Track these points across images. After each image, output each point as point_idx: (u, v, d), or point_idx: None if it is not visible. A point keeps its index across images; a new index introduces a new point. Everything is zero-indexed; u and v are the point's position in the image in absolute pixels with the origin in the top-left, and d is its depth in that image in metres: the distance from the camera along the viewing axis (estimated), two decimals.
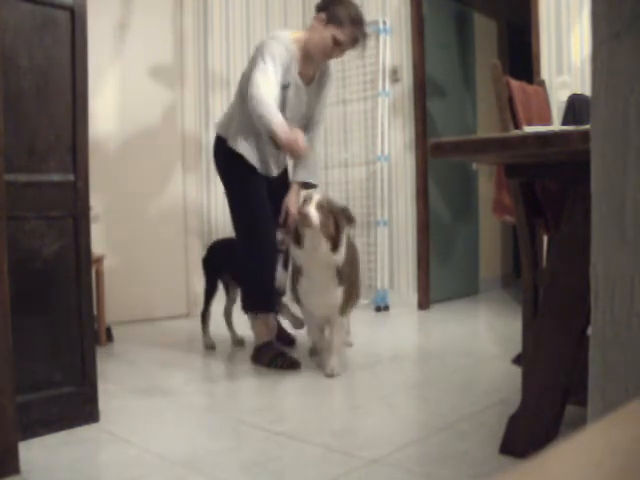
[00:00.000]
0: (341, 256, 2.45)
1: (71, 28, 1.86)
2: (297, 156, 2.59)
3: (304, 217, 2.33)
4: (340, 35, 2.60)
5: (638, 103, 0.65)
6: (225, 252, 3.05)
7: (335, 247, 2.40)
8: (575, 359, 1.46)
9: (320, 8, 2.66)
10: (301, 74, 2.69)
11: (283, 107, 2.64)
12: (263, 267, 2.72)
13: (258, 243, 2.71)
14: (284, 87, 2.62)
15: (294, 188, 2.87)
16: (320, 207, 2.36)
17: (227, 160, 2.75)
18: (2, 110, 1.57)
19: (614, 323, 0.69)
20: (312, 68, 2.74)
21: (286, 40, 2.61)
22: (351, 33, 2.61)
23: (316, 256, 2.40)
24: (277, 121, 2.47)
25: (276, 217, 2.81)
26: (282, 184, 2.91)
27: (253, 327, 2.81)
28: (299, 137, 2.50)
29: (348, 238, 2.61)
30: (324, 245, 2.38)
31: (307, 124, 2.86)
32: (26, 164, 1.79)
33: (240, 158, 2.69)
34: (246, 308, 2.79)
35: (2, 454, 1.50)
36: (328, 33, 2.60)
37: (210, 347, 3.05)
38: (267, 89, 2.50)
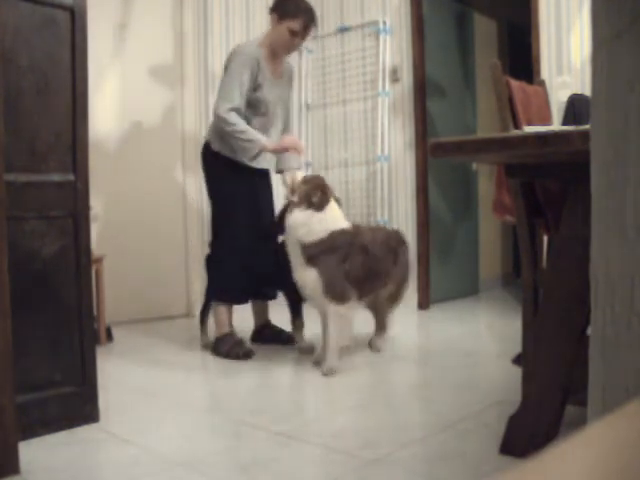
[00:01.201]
0: (295, 226, 2.53)
1: (71, 28, 1.86)
2: (300, 148, 2.91)
3: (287, 179, 2.63)
4: (293, 25, 2.86)
5: (638, 103, 0.65)
6: None
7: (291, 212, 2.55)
8: (575, 359, 1.46)
9: (272, 10, 2.95)
10: (271, 71, 2.94)
11: (260, 106, 2.88)
12: (239, 261, 2.88)
13: (239, 239, 2.89)
14: (256, 89, 2.85)
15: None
16: (305, 180, 2.62)
17: (213, 162, 2.94)
18: (2, 110, 1.57)
19: (614, 323, 0.69)
20: (279, 65, 3.02)
21: (252, 47, 2.88)
22: (302, 21, 2.88)
23: (290, 225, 2.55)
24: (262, 141, 2.78)
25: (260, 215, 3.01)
26: (266, 186, 3.11)
27: (216, 315, 2.96)
28: (287, 138, 2.90)
29: (401, 238, 2.88)
30: (293, 210, 2.56)
31: (286, 114, 3.13)
32: (26, 164, 1.79)
33: (223, 158, 2.89)
34: (214, 297, 2.98)
35: (2, 454, 1.50)
36: (284, 28, 2.88)
37: (207, 346, 3.05)
38: (236, 119, 2.76)
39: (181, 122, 4.16)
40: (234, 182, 2.90)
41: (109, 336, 3.28)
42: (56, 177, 1.85)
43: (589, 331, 0.79)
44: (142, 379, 2.53)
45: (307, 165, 4.83)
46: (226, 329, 2.93)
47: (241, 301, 3.02)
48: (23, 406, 1.69)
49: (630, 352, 0.67)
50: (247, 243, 2.89)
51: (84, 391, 1.91)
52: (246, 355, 2.82)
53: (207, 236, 4.26)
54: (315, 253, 2.50)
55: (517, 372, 2.07)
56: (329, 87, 4.71)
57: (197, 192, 4.22)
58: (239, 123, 2.75)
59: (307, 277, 2.53)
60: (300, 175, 2.67)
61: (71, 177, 1.89)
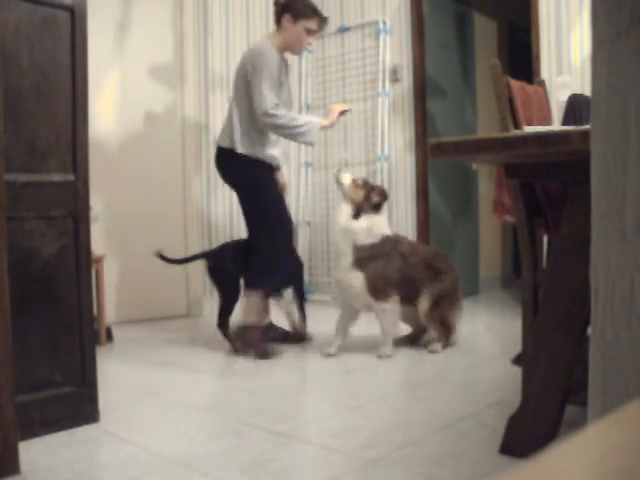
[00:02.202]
0: (359, 228, 2.73)
1: (71, 28, 1.86)
2: (346, 107, 3.10)
3: (337, 177, 2.84)
4: (310, 24, 2.99)
5: (638, 103, 0.65)
6: (240, 254, 3.08)
7: (356, 215, 2.76)
8: (575, 359, 1.46)
9: (283, 10, 2.99)
10: (285, 71, 3.06)
11: (282, 105, 2.93)
12: (285, 255, 3.01)
13: (281, 231, 2.99)
14: (280, 88, 2.95)
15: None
16: (354, 180, 2.84)
17: (242, 165, 2.95)
18: (2, 110, 1.57)
19: (614, 323, 0.69)
20: (286, 60, 3.13)
21: (273, 48, 2.94)
22: (318, 20, 3.02)
23: (337, 218, 2.80)
24: (317, 120, 2.95)
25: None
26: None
27: (248, 302, 2.95)
28: (334, 107, 3.06)
29: (445, 262, 2.96)
30: (346, 209, 2.77)
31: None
32: (26, 164, 1.79)
33: (252, 161, 2.94)
34: (259, 284, 2.96)
35: (2, 454, 1.50)
36: (300, 27, 2.97)
37: (238, 350, 2.94)
38: (283, 111, 2.86)
39: (181, 122, 4.16)
40: (267, 180, 3.00)
41: (109, 336, 3.28)
42: (56, 177, 1.85)
43: (589, 331, 0.79)
44: (142, 379, 2.53)
45: (307, 165, 4.83)
46: (257, 319, 2.96)
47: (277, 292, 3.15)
48: (23, 406, 1.69)
49: (630, 352, 0.67)
50: (288, 238, 3.05)
51: (84, 391, 1.91)
52: (273, 354, 2.86)
53: (207, 236, 4.27)
54: (366, 256, 2.72)
55: (517, 372, 2.08)
56: (329, 87, 4.71)
57: (197, 192, 4.22)
58: (288, 113, 2.87)
59: (354, 278, 2.73)
60: (348, 177, 2.85)
61: (71, 177, 1.89)
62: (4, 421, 1.51)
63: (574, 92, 3.09)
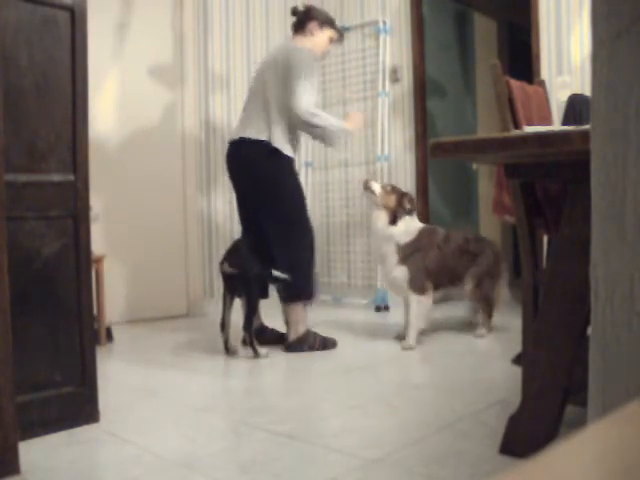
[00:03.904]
0: (399, 231, 2.99)
1: (71, 28, 1.86)
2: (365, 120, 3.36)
3: (367, 186, 3.05)
4: (333, 34, 3.16)
5: (638, 103, 0.65)
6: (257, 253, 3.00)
7: (392, 221, 3.00)
8: (575, 359, 1.46)
9: (308, 18, 3.11)
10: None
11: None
12: (314, 257, 3.08)
13: (312, 234, 3.06)
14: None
15: None
16: (383, 187, 3.07)
17: (276, 162, 2.96)
18: (2, 110, 1.57)
19: (614, 323, 0.69)
20: None
21: (312, 53, 3.01)
22: (338, 30, 3.20)
23: (375, 226, 3.05)
24: (344, 128, 3.03)
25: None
26: None
27: (297, 315, 2.97)
28: (354, 115, 3.20)
29: (481, 243, 3.24)
30: (382, 216, 3.00)
31: None
32: (26, 164, 1.79)
33: (285, 157, 2.96)
34: (299, 297, 2.98)
35: (2, 454, 1.50)
36: (326, 36, 3.12)
37: (262, 356, 2.87)
38: (321, 112, 2.97)
39: (181, 122, 4.17)
40: (295, 177, 3.03)
41: (109, 336, 3.28)
42: (56, 177, 1.85)
43: (589, 331, 0.79)
44: (142, 379, 2.53)
45: (307, 165, 4.83)
46: (305, 326, 3.00)
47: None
48: (23, 406, 1.69)
49: (630, 352, 0.67)
50: (313, 239, 3.07)
51: (84, 391, 1.91)
52: (335, 344, 3.01)
53: (207, 236, 4.27)
54: (408, 252, 3.00)
55: (517, 372, 2.08)
56: (329, 87, 4.71)
57: (197, 192, 4.22)
58: (326, 115, 2.97)
59: (399, 274, 3.00)
60: (378, 185, 3.07)
61: (71, 177, 1.89)
62: (4, 421, 1.51)
63: (574, 92, 3.09)
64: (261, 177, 2.96)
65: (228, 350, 2.92)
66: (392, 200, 3.02)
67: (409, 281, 2.99)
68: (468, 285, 3.18)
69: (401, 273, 3.00)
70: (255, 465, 1.60)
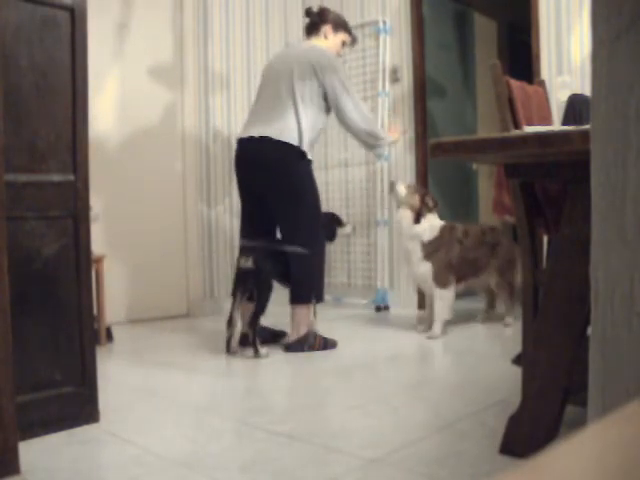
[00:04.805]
0: (423, 229, 3.15)
1: (71, 28, 1.86)
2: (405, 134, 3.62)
3: (392, 188, 3.22)
4: (347, 38, 3.17)
5: (638, 103, 0.65)
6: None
7: (417, 219, 3.16)
8: (575, 359, 1.46)
9: (323, 21, 3.10)
10: None
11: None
12: (324, 263, 3.11)
13: (324, 239, 3.10)
14: None
15: None
16: (408, 187, 3.24)
17: (304, 165, 2.97)
18: (2, 110, 1.57)
19: (614, 323, 0.69)
20: None
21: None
22: (352, 35, 3.21)
23: (400, 225, 3.23)
24: (388, 137, 3.13)
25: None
26: None
27: (301, 317, 2.96)
28: (396, 128, 3.44)
29: (498, 234, 3.41)
30: (408, 215, 3.16)
31: None
32: (26, 164, 1.79)
33: (309, 162, 2.99)
34: (305, 300, 2.99)
35: (2, 454, 1.50)
36: (339, 39, 3.13)
37: (265, 356, 2.88)
38: (374, 121, 3.11)
39: (181, 122, 4.17)
40: (315, 183, 3.03)
41: (109, 336, 3.28)
42: (56, 177, 1.85)
43: (589, 331, 0.79)
44: (142, 379, 2.53)
45: None
46: (308, 327, 2.99)
47: None
48: (23, 406, 1.69)
49: (630, 352, 0.67)
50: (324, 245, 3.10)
51: (84, 391, 1.91)
52: (336, 344, 3.00)
53: (207, 235, 4.27)
54: (432, 249, 3.16)
55: (517, 372, 2.07)
56: None
57: (197, 192, 4.22)
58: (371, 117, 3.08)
59: (424, 270, 3.18)
60: (403, 187, 3.22)
61: (71, 177, 1.89)
62: (4, 421, 1.51)
63: (574, 92, 3.09)
64: (286, 181, 2.90)
65: (229, 348, 2.92)
66: (416, 200, 3.17)
67: (434, 276, 3.16)
68: (492, 278, 3.40)
69: (426, 269, 3.17)
70: (255, 465, 1.60)
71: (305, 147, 2.91)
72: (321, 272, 3.07)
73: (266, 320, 3.16)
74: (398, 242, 3.36)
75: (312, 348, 2.95)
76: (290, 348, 2.94)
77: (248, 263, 2.88)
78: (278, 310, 3.25)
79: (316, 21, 3.11)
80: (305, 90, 2.87)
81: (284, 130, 2.86)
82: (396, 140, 3.33)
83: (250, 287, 2.93)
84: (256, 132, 2.90)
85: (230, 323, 2.92)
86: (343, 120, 2.98)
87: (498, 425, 1.71)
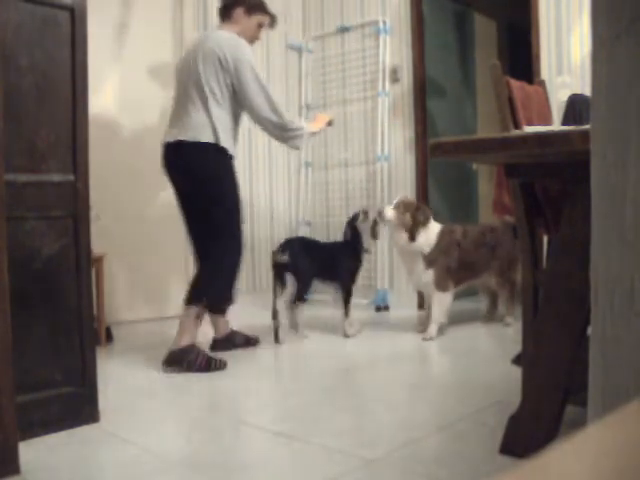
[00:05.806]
0: (421, 244, 3.15)
1: (71, 28, 1.86)
2: (331, 121, 3.23)
3: (381, 217, 3.18)
4: (263, 19, 2.99)
5: (638, 103, 0.65)
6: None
7: (412, 238, 3.14)
8: (575, 359, 1.46)
9: (235, 3, 2.91)
10: None
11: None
12: (239, 263, 2.91)
13: (241, 236, 2.90)
14: None
15: None
16: (397, 207, 3.17)
17: (224, 164, 2.83)
18: (2, 110, 1.57)
19: (614, 323, 0.69)
20: None
21: (245, 42, 2.85)
22: (270, 16, 3.04)
23: (398, 245, 3.25)
24: (305, 128, 2.96)
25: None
26: None
27: (190, 324, 2.70)
28: (320, 117, 3.24)
29: (498, 234, 3.39)
30: (403, 236, 3.16)
31: None
32: (26, 164, 1.79)
33: (229, 156, 2.83)
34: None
35: (2, 454, 1.50)
36: (254, 22, 2.96)
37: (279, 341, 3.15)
38: (285, 111, 2.90)
39: None
40: (234, 178, 2.85)
41: (109, 336, 3.28)
42: (56, 177, 1.85)
43: (589, 331, 0.79)
44: (142, 379, 2.53)
45: (307, 165, 4.83)
46: (194, 339, 2.71)
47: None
48: (23, 406, 1.69)
49: (630, 352, 0.67)
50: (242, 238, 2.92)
51: (84, 391, 1.91)
52: (224, 365, 2.66)
53: None
54: (433, 258, 3.18)
55: (517, 372, 2.07)
56: (329, 87, 4.71)
57: None
58: (288, 114, 2.93)
59: (427, 278, 3.21)
60: (390, 210, 3.16)
61: (71, 177, 1.89)
62: (4, 421, 1.51)
63: (574, 92, 3.09)
64: (203, 178, 2.80)
65: (277, 339, 3.13)
66: (407, 219, 3.15)
67: (435, 281, 3.20)
68: (492, 278, 3.42)
69: (429, 276, 3.21)
70: (255, 465, 1.60)
71: (223, 142, 2.75)
72: (230, 277, 2.87)
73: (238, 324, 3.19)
74: (398, 257, 3.43)
75: (190, 366, 2.60)
76: (169, 364, 2.64)
77: (280, 257, 3.13)
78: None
79: (228, 3, 2.92)
80: (213, 85, 2.75)
81: (197, 130, 2.76)
82: (318, 131, 3.13)
83: (285, 280, 3.19)
84: (171, 137, 2.86)
85: (275, 316, 3.12)
86: (250, 112, 2.83)
87: (498, 425, 1.71)
